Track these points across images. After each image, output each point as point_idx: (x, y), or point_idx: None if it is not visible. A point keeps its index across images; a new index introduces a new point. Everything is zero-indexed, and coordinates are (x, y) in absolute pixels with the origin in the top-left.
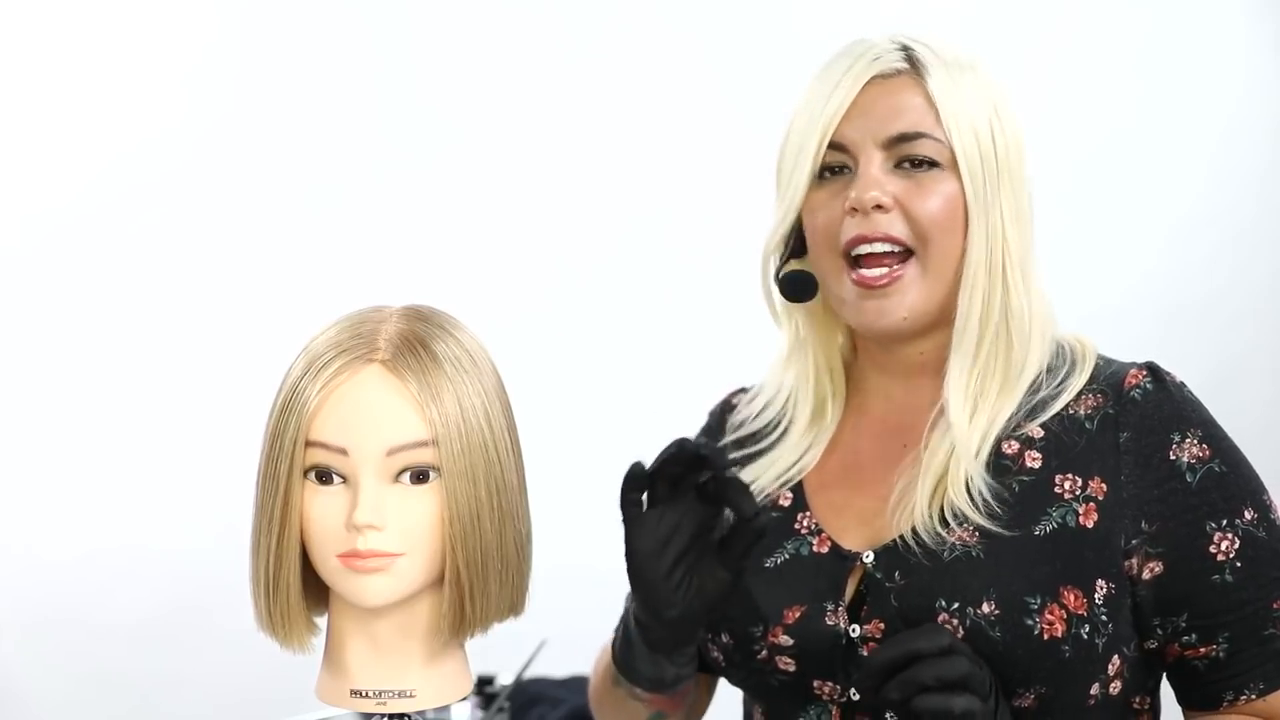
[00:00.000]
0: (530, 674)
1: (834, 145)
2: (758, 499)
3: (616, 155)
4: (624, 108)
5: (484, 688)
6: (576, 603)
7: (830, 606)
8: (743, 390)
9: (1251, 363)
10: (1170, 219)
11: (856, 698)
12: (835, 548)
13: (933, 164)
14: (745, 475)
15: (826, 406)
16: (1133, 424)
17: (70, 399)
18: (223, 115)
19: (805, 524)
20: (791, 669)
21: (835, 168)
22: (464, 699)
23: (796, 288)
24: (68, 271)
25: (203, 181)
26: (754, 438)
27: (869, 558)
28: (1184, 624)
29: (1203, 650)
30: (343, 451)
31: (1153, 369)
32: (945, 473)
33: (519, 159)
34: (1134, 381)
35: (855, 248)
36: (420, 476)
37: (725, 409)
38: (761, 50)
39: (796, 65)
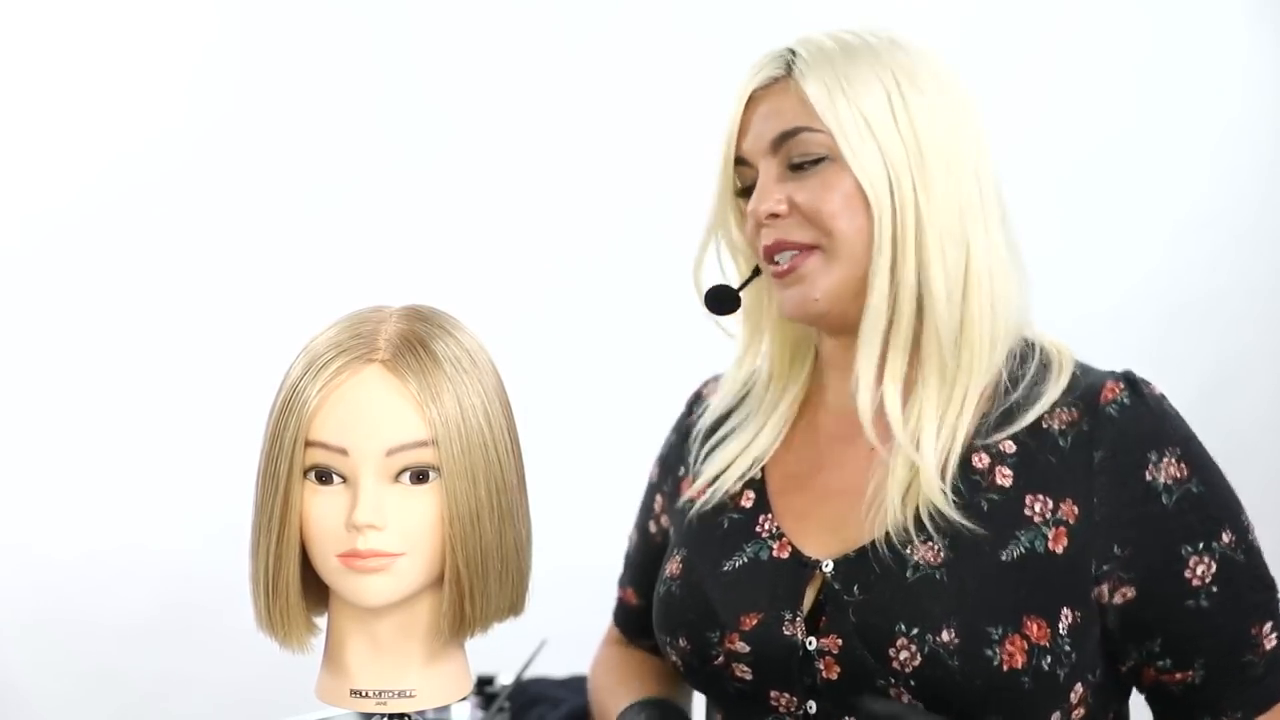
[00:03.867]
0: (530, 674)
1: (741, 161)
2: (719, 496)
3: (616, 155)
4: (624, 107)
5: (484, 688)
6: (576, 603)
7: (788, 616)
8: (716, 378)
9: (1252, 363)
10: (1171, 219)
11: (814, 710)
12: (796, 554)
13: (821, 159)
14: (711, 463)
15: (785, 380)
16: (1108, 442)
17: (70, 399)
18: (223, 115)
19: (766, 527)
20: (748, 677)
21: (750, 183)
22: (464, 699)
23: (719, 302)
24: (68, 271)
25: (203, 181)
26: (720, 422)
27: (828, 567)
28: (1158, 649)
29: (1178, 676)
30: (342, 451)
31: (1130, 381)
32: (915, 471)
33: (519, 159)
34: (1110, 396)
35: (770, 256)
36: (420, 476)
37: (697, 400)
38: (761, 48)
39: None
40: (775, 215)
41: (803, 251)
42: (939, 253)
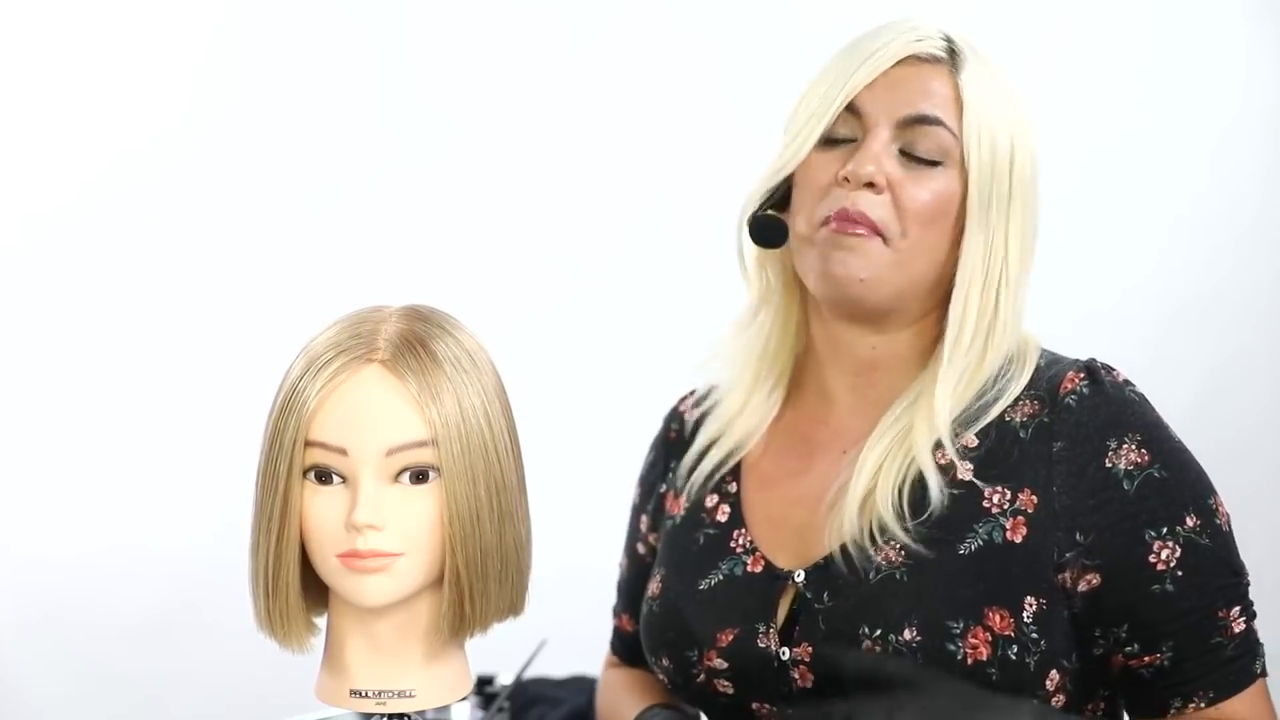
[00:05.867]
0: (530, 674)
1: (851, 110)
2: (695, 495)
3: (617, 154)
4: (625, 107)
5: (484, 688)
6: (576, 603)
7: (762, 628)
8: (691, 394)
9: (1252, 363)
10: (1171, 219)
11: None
12: (769, 567)
13: (937, 163)
14: (699, 438)
15: (768, 374)
16: (1066, 432)
17: (70, 399)
18: (223, 115)
19: (741, 542)
20: (730, 691)
21: (845, 138)
22: (464, 699)
23: (766, 232)
24: (68, 271)
25: (203, 181)
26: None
27: (800, 577)
28: (1125, 634)
29: (1147, 659)
30: (342, 451)
31: (1090, 370)
32: (875, 484)
33: (519, 158)
34: (1070, 386)
35: (836, 221)
36: (420, 476)
37: (674, 417)
38: (763, 48)
39: (799, 63)
40: (872, 185)
41: (868, 234)
42: (1012, 295)
